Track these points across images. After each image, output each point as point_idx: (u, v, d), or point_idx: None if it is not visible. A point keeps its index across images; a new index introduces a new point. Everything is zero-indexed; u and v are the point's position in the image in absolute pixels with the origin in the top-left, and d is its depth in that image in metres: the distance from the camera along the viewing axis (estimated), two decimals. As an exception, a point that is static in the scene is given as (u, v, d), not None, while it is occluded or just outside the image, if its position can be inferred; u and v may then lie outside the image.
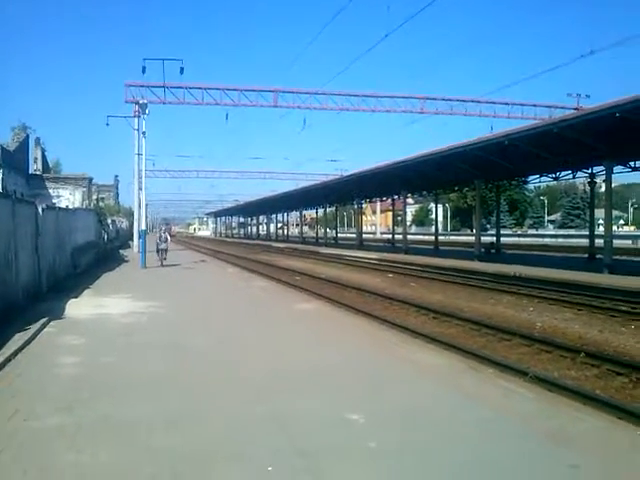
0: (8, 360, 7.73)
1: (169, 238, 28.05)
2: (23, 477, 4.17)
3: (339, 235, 67.85)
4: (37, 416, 5.51)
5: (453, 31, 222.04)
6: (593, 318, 13.27)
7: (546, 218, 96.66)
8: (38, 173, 48.17)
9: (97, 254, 28.51)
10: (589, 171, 28.31)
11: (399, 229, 52.00)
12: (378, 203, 78.34)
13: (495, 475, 4.28)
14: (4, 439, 4.90)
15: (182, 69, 36.29)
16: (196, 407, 5.83)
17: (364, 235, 56.01)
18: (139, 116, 34.89)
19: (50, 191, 44.04)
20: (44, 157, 52.32)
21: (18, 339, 8.93)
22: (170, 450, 4.68)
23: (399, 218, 63.79)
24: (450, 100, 43.64)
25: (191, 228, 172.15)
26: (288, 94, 41.13)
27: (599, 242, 26.28)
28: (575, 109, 38.91)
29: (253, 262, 34.22)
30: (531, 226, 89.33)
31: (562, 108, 43.08)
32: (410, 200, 74.17)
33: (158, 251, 26.57)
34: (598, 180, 28.74)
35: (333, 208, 67.76)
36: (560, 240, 56.51)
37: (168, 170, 74.77)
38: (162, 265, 25.53)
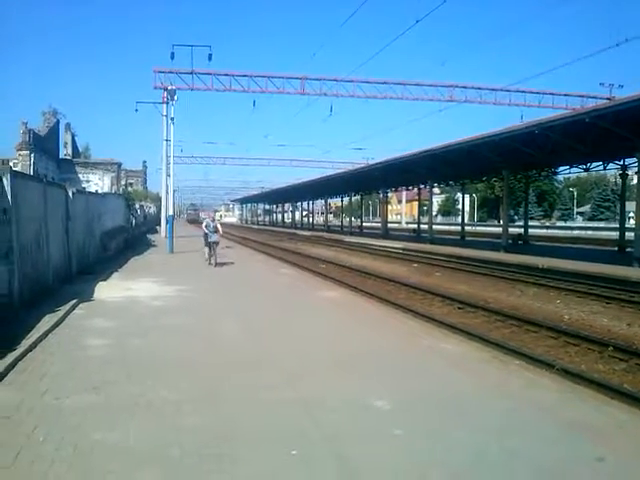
0: (39, 340, 7.92)
1: (220, 228, 21.07)
2: (56, 453, 4.29)
3: (364, 224, 67.67)
4: (68, 395, 5.64)
5: (484, 18, 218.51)
6: (622, 312, 13.06)
7: (575, 210, 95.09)
8: (68, 158, 49.03)
9: (125, 239, 28.90)
10: (621, 162, 27.78)
11: (425, 219, 51.66)
12: (404, 192, 77.82)
13: (519, 465, 4.26)
14: (36, 417, 5.04)
15: (210, 55, 36.44)
16: (224, 390, 5.91)
17: (389, 224, 55.76)
18: (167, 102, 35.09)
19: (80, 176, 44.86)
20: (74, 142, 53.21)
21: (48, 320, 9.15)
22: (197, 431, 4.76)
23: (425, 208, 63.42)
24: (480, 88, 42.94)
25: (217, 214, 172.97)
26: (315, 81, 40.92)
27: (629, 235, 25.83)
28: (608, 99, 38.00)
29: (278, 249, 34.36)
30: (560, 218, 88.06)
31: (594, 98, 42.14)
32: (436, 190, 73.67)
33: (207, 245, 20.48)
34: (630, 172, 28.20)
35: (358, 197, 67.59)
36: (589, 232, 55.54)
37: (195, 156, 75.26)
38: (213, 264, 19.73)
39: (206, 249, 20.65)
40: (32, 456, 4.23)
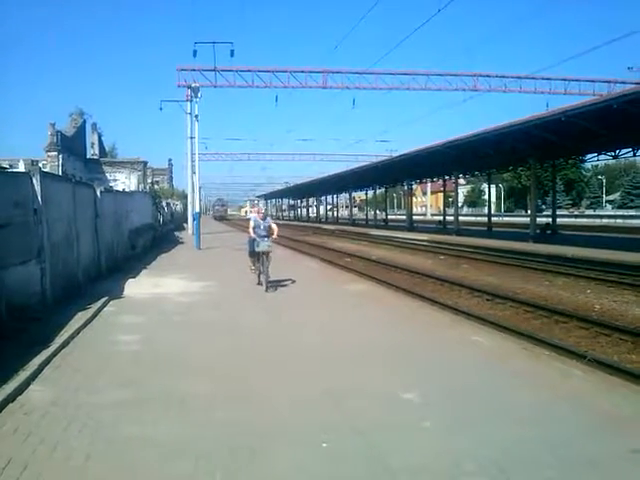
0: (72, 337, 8.07)
1: (275, 227, 13.48)
2: (90, 447, 4.37)
3: (389, 217, 67.38)
4: (100, 391, 5.75)
5: (508, 5, 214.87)
6: (655, 301, 12.80)
7: (604, 198, 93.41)
8: (95, 157, 49.71)
9: (153, 236, 29.19)
10: (651, 148, 27.20)
11: (450, 210, 51.23)
12: (429, 184, 77.23)
13: (552, 457, 4.20)
14: (71, 412, 5.13)
15: (232, 52, 36.59)
16: (252, 384, 5.96)
17: (414, 217, 55.41)
18: (191, 100, 35.41)
19: (107, 175, 45.44)
20: (101, 142, 53.91)
21: (80, 317, 9.31)
22: (228, 426, 4.80)
23: (450, 199, 62.90)
24: (504, 77, 42.35)
25: (242, 210, 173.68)
26: (337, 74, 40.84)
27: (662, 222, 25.30)
28: (636, 84, 37.15)
29: (303, 244, 34.41)
30: (588, 206, 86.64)
31: (622, 83, 41.24)
32: (462, 181, 72.93)
33: (254, 255, 13.53)
34: (661, 158, 27.57)
35: (383, 189, 67.32)
36: (619, 221, 54.54)
37: (220, 153, 75.67)
38: (263, 286, 12.93)
39: (250, 260, 13.98)
40: (68, 450, 4.32)
